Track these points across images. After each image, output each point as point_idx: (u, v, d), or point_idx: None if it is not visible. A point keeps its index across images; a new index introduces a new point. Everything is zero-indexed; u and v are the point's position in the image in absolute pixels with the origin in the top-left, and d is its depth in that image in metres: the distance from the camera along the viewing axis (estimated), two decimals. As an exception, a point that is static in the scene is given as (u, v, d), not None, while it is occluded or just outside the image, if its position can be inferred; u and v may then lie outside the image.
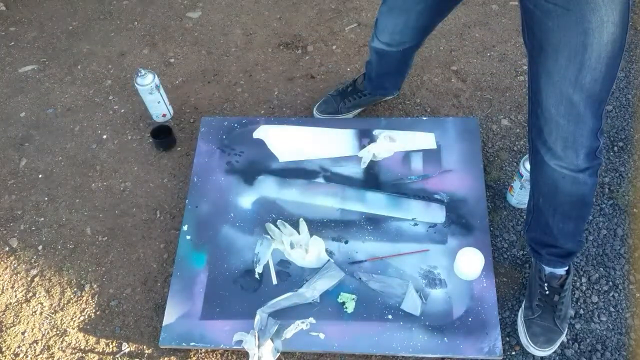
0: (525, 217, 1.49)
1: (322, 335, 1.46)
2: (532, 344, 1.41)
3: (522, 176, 1.55)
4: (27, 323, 1.58)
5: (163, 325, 1.50)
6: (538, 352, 1.42)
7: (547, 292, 1.43)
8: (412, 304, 1.47)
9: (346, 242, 1.59)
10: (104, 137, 1.95)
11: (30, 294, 1.64)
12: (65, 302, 1.61)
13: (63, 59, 2.19)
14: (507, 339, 1.48)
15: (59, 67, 2.16)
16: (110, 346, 1.53)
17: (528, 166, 1.53)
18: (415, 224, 1.62)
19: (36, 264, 1.69)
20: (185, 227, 1.66)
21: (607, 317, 1.50)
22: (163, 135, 1.88)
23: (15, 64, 2.18)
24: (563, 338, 1.44)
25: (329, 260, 1.56)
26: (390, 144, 1.77)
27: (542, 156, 1.25)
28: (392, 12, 1.52)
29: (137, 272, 1.65)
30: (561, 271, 1.45)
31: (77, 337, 1.55)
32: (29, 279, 1.66)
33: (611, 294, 1.53)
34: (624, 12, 1.04)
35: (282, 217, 1.66)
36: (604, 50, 1.06)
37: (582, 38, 1.05)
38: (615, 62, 1.09)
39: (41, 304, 1.62)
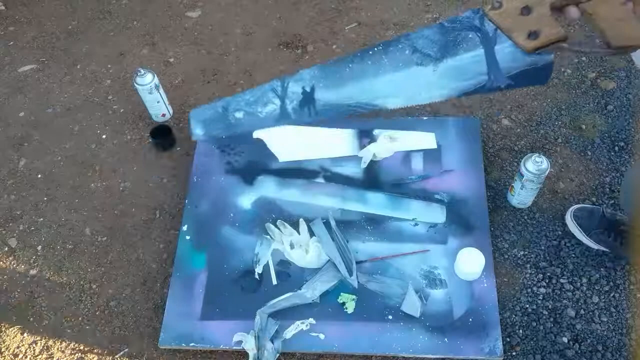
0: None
1: (322, 336, 1.45)
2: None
3: (522, 176, 1.55)
4: (27, 323, 1.58)
5: (162, 325, 1.49)
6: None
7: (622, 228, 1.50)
8: (411, 306, 1.47)
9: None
10: (103, 137, 1.95)
11: (30, 294, 1.63)
12: (65, 302, 1.61)
13: (62, 58, 2.18)
14: (508, 339, 1.47)
15: (58, 66, 2.16)
16: (110, 346, 1.53)
17: (529, 166, 1.53)
18: (416, 224, 1.62)
19: (35, 264, 1.68)
20: (184, 227, 1.65)
21: (608, 318, 1.49)
22: (163, 135, 1.87)
23: (15, 64, 2.18)
24: (581, 238, 1.58)
25: (328, 260, 1.56)
26: (391, 143, 1.76)
27: None
28: None
29: (137, 273, 1.65)
30: None
31: (76, 338, 1.55)
32: (28, 279, 1.66)
33: (612, 294, 1.52)
34: None
35: (282, 217, 1.65)
36: None
37: None
38: None
39: (40, 304, 1.61)
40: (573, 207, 1.62)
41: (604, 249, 1.56)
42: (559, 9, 0.78)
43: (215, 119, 0.89)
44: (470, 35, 0.82)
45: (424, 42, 0.83)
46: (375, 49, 0.84)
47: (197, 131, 0.90)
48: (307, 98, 0.86)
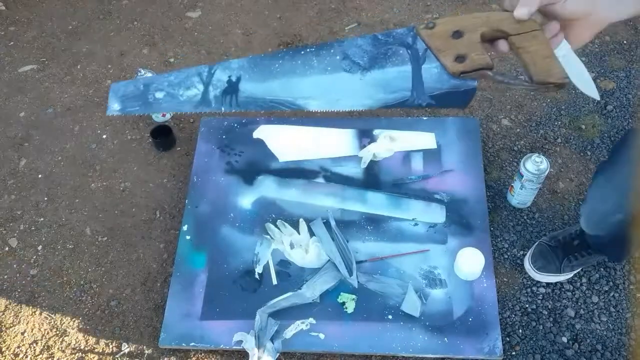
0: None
1: (322, 336, 1.45)
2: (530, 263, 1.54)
3: (522, 176, 1.55)
4: (27, 323, 1.58)
5: (163, 325, 1.50)
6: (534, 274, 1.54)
7: (576, 243, 1.47)
8: (411, 305, 1.47)
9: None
10: (104, 137, 1.95)
11: (30, 294, 1.63)
12: (65, 302, 1.61)
13: (62, 58, 2.19)
14: (508, 339, 1.47)
15: (58, 66, 2.16)
16: (110, 346, 1.53)
17: (528, 166, 1.53)
18: (416, 224, 1.62)
19: (36, 264, 1.69)
20: (185, 227, 1.65)
21: (608, 317, 1.50)
22: (163, 135, 1.87)
23: (15, 64, 2.18)
24: (560, 278, 1.53)
25: (328, 260, 1.56)
26: (391, 143, 1.77)
27: None
28: None
29: (137, 272, 1.65)
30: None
31: (77, 337, 1.55)
32: (29, 279, 1.66)
33: (612, 294, 1.53)
34: None
35: (282, 217, 1.65)
36: None
37: None
38: None
39: (41, 304, 1.61)
40: (526, 258, 1.57)
41: (580, 267, 1.53)
42: (490, 41, 0.81)
43: (134, 95, 0.87)
44: (401, 51, 0.83)
45: (356, 50, 0.84)
46: (308, 49, 0.85)
47: (114, 106, 0.87)
48: (231, 88, 0.85)
